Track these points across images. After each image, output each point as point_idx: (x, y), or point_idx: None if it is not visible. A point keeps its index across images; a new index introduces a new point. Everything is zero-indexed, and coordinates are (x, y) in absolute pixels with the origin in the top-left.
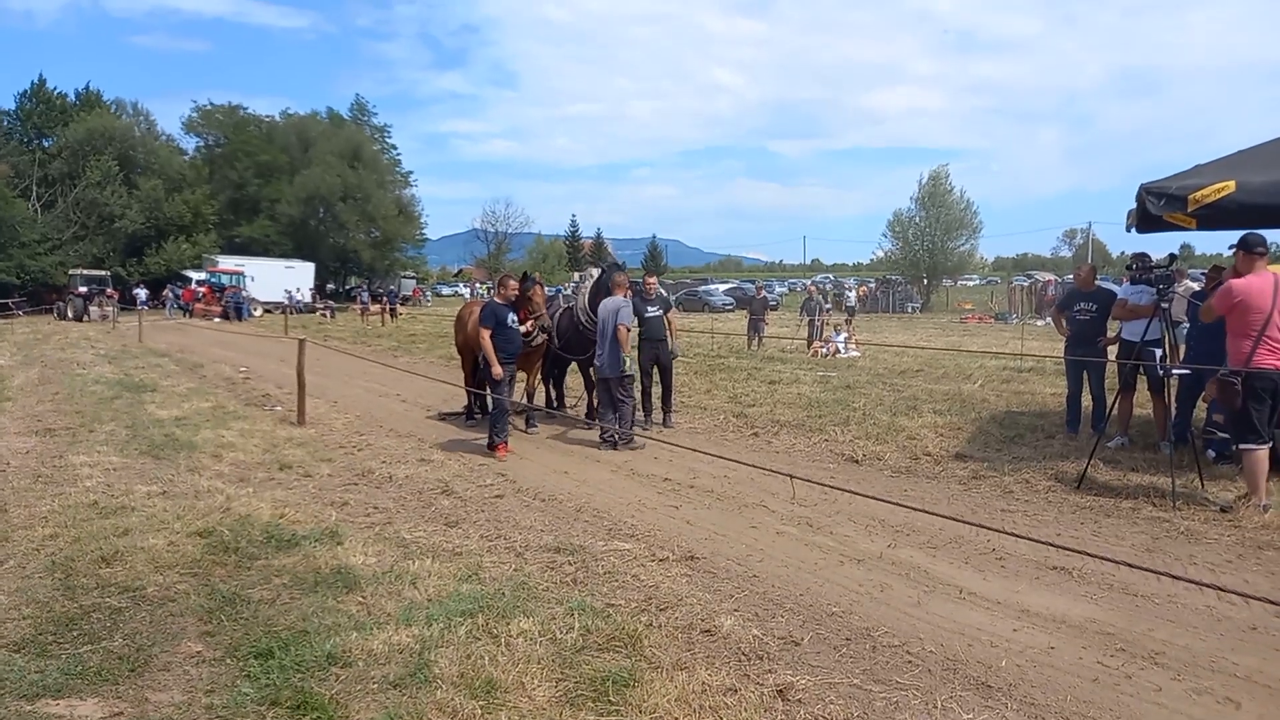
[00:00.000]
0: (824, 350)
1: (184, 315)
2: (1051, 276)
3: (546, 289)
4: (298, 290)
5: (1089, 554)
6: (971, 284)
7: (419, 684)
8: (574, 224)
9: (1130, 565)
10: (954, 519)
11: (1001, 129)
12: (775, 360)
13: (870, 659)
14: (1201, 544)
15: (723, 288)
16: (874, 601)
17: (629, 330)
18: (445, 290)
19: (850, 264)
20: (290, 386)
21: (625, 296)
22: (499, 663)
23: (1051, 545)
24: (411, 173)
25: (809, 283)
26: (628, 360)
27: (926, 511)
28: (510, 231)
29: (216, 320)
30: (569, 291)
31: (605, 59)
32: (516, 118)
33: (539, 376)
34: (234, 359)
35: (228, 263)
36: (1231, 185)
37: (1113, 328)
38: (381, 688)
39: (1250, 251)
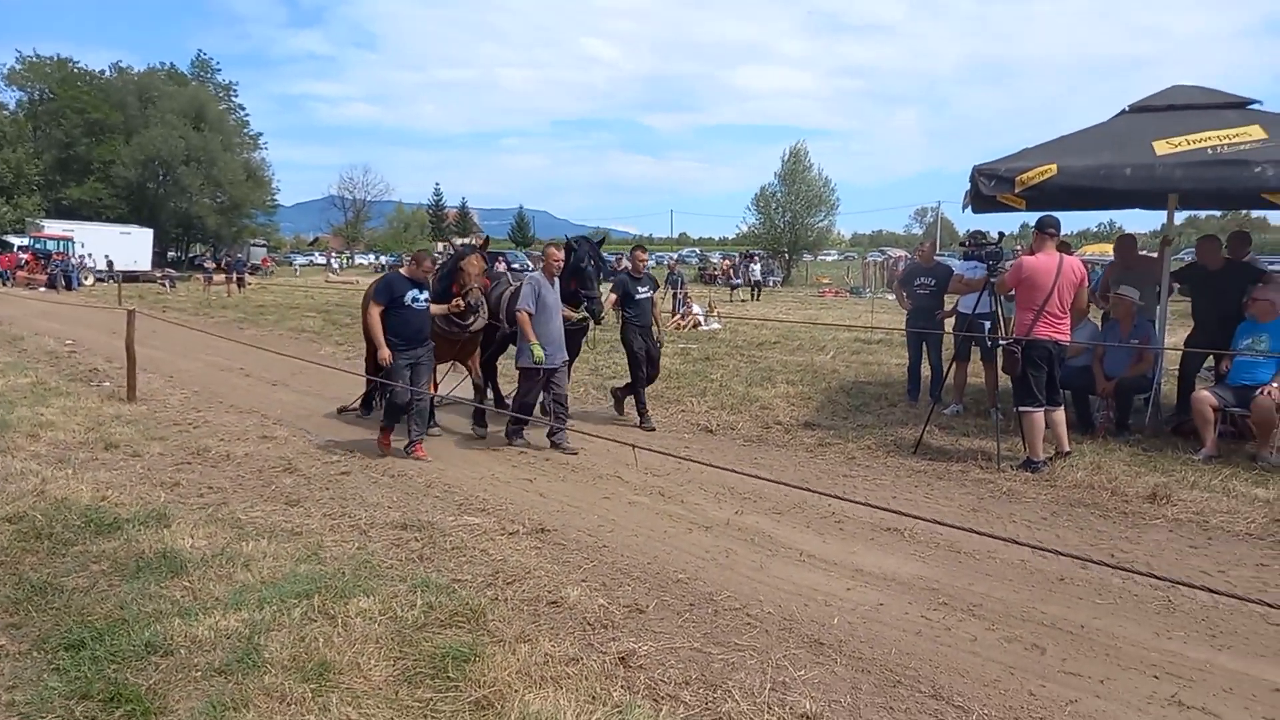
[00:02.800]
0: (684, 323)
1: (4, 284)
2: (903, 253)
3: (524, 263)
4: (128, 260)
5: (915, 516)
6: (830, 259)
7: (246, 669)
8: (438, 192)
9: (950, 525)
10: (797, 486)
11: (866, 110)
12: None
13: (712, 622)
14: (1021, 503)
15: None
16: (719, 567)
17: (522, 312)
18: (300, 260)
19: (716, 238)
20: (121, 360)
21: (549, 276)
22: (334, 644)
23: (882, 509)
24: (261, 135)
25: (672, 256)
26: (533, 348)
27: (769, 479)
28: (369, 199)
29: (42, 289)
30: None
31: (475, 24)
32: (379, 81)
33: (476, 363)
34: (60, 331)
35: (54, 228)
36: (1054, 168)
37: (951, 301)
38: (205, 675)
39: (1042, 232)
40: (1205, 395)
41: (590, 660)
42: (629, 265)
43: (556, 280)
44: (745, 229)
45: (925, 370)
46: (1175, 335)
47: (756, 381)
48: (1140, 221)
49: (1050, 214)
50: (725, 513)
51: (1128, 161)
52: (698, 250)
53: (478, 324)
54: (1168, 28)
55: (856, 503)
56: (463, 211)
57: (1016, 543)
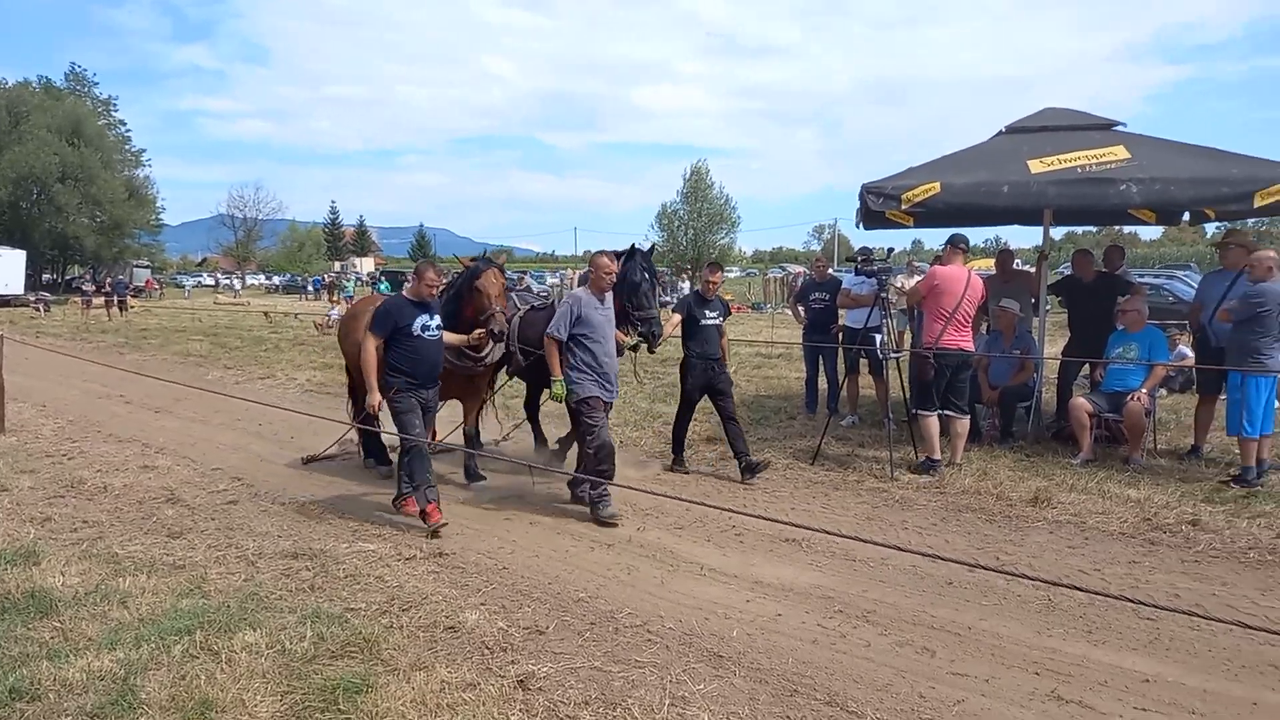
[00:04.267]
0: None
1: None
2: (802, 269)
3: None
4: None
5: (808, 527)
6: (732, 275)
7: (121, 711)
8: (334, 210)
9: (844, 535)
10: (696, 501)
11: (764, 129)
12: None
13: (613, 641)
14: (913, 509)
15: None
16: (620, 584)
17: (556, 342)
18: (188, 281)
19: None
20: None
21: (598, 291)
22: (217, 681)
23: (779, 521)
24: (144, 151)
25: (569, 271)
26: (555, 384)
27: (669, 495)
28: (261, 218)
29: None
30: (554, 282)
31: (371, 40)
32: (271, 97)
33: (480, 410)
34: None
35: None
36: (937, 186)
37: (841, 316)
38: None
39: (955, 246)
40: (1081, 402)
41: (488, 685)
42: (698, 286)
43: (609, 296)
44: (649, 246)
45: (822, 383)
46: (1055, 345)
47: (660, 398)
48: (1023, 237)
49: (959, 231)
50: (627, 530)
51: (1005, 179)
52: None
53: (492, 355)
54: (1045, 51)
55: (754, 516)
56: (360, 230)
57: (905, 550)
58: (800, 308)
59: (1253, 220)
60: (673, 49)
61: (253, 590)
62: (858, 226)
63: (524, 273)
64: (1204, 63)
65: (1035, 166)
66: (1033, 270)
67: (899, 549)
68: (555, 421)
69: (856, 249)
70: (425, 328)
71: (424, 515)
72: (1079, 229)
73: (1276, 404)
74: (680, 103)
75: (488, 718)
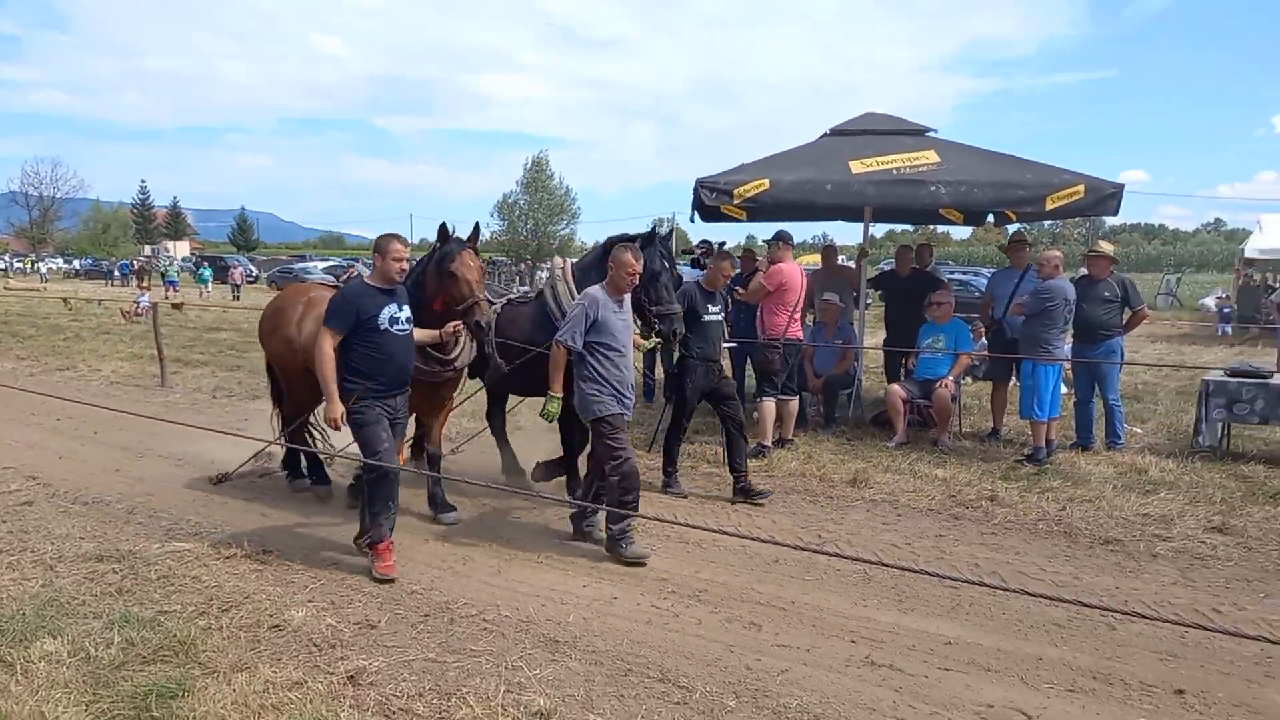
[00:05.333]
0: None
1: None
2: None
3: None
4: None
5: (645, 516)
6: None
7: None
8: (144, 190)
9: (673, 522)
10: (528, 493)
11: (604, 122)
12: None
13: (447, 632)
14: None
15: (322, 265)
16: (456, 575)
17: (560, 346)
18: None
19: None
20: None
21: (616, 292)
22: (12, 694)
23: (613, 510)
24: None
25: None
26: (548, 404)
27: (502, 487)
28: (59, 196)
29: None
30: (545, 274)
31: (188, 10)
32: (73, 67)
33: (444, 424)
34: None
35: None
36: (766, 183)
37: None
38: None
39: (784, 243)
40: (895, 389)
41: (316, 683)
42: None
43: (627, 297)
44: (489, 236)
45: (660, 372)
46: (874, 337)
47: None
48: (846, 234)
49: (784, 229)
50: (465, 517)
51: (829, 178)
52: None
53: (464, 358)
54: (867, 59)
55: (589, 506)
56: (174, 212)
57: (726, 533)
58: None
59: (1049, 223)
60: (512, 37)
61: (51, 596)
62: (692, 220)
63: (355, 260)
64: (1006, 76)
65: (856, 167)
66: (854, 265)
67: (721, 532)
68: (522, 438)
69: (696, 242)
70: (394, 320)
71: (374, 549)
72: (897, 227)
73: (1063, 390)
74: (520, 91)
75: (316, 715)
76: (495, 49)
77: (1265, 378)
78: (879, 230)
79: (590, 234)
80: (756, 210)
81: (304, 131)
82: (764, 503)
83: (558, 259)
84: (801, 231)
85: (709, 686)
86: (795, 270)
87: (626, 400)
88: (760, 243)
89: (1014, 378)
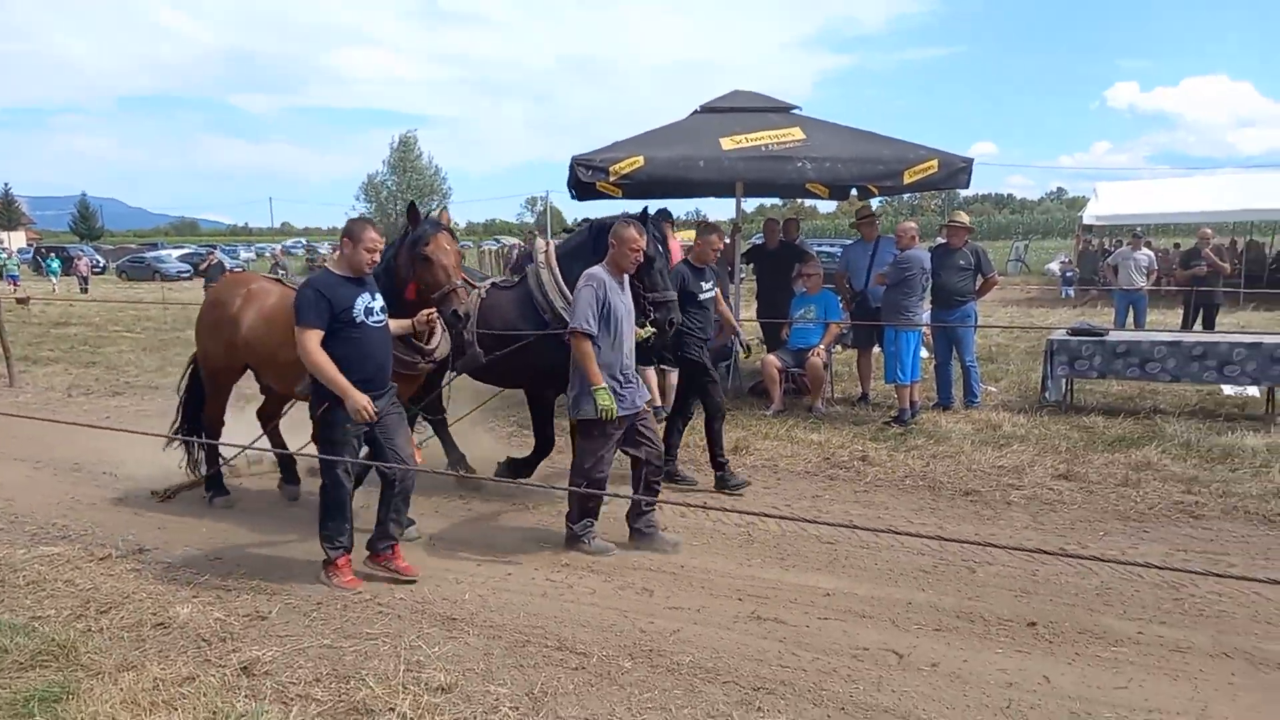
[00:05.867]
0: None
1: None
2: (518, 241)
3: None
4: None
5: (539, 485)
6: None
7: None
8: None
9: (564, 489)
10: (416, 468)
11: (472, 99)
12: None
13: (342, 618)
14: None
15: (177, 253)
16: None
17: (580, 335)
18: None
19: (325, 228)
20: None
21: (618, 273)
22: None
23: (500, 480)
24: None
25: (277, 248)
26: (597, 394)
27: (386, 465)
28: None
29: None
30: (535, 257)
31: None
32: None
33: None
34: None
35: None
36: (641, 160)
37: None
38: None
39: (667, 221)
40: (771, 359)
41: (209, 676)
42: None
43: (626, 280)
44: (660, 210)
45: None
46: (749, 309)
47: None
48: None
49: (665, 206)
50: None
51: (701, 155)
52: (304, 240)
53: (443, 348)
54: (733, 37)
55: (486, 479)
56: (5, 199)
57: (619, 495)
58: (515, 278)
59: (908, 195)
60: (371, 11)
61: None
62: (573, 198)
63: (213, 247)
64: (862, 53)
65: (726, 144)
66: (728, 240)
67: (615, 495)
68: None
69: (579, 220)
70: (369, 311)
71: (328, 568)
72: (767, 202)
73: (923, 354)
74: (384, 68)
75: (210, 708)
76: (354, 24)
77: (1101, 335)
78: (750, 205)
79: (463, 214)
80: (632, 187)
81: (148, 111)
82: (742, 493)
83: (539, 241)
84: (676, 208)
85: (605, 651)
86: (676, 247)
87: (624, 395)
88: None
89: (877, 344)
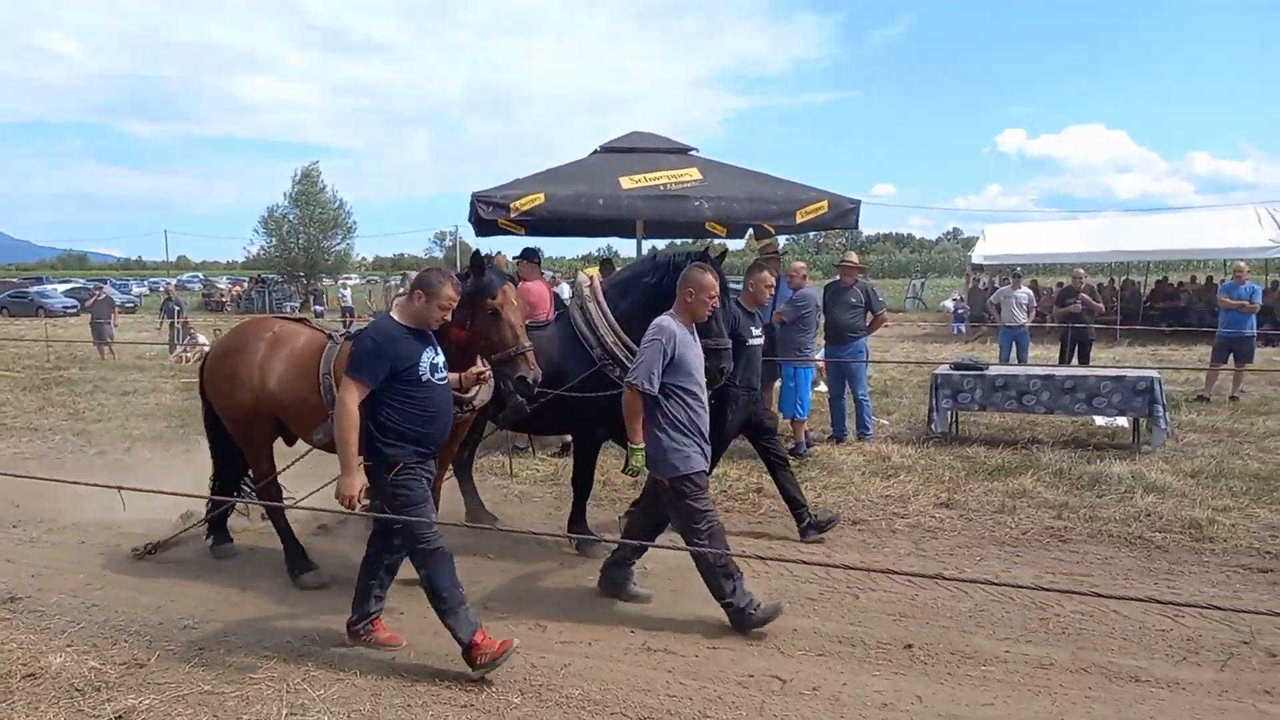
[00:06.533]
0: (188, 355)
1: None
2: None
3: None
4: None
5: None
6: (352, 283)
7: None
8: None
9: (455, 524)
10: (310, 507)
11: (377, 130)
12: (130, 369)
13: (224, 663)
14: (530, 502)
15: (63, 288)
16: (233, 605)
17: (634, 390)
18: None
19: (223, 261)
20: None
21: (690, 321)
22: None
23: (386, 517)
24: None
25: (170, 282)
26: (633, 455)
27: (281, 505)
28: None
29: None
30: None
31: None
32: None
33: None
34: None
35: None
36: (541, 197)
37: None
38: None
39: (529, 260)
40: None
41: None
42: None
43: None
44: (256, 252)
45: None
46: None
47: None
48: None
49: (530, 247)
50: (241, 548)
51: (600, 193)
52: (200, 275)
53: (482, 396)
54: (639, 73)
55: (375, 515)
56: None
57: (514, 531)
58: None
59: (814, 235)
60: (271, 38)
61: None
62: (476, 234)
63: (102, 281)
64: (764, 94)
65: (626, 183)
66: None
67: (510, 530)
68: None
69: (520, 252)
70: (435, 368)
71: (472, 650)
72: (676, 241)
73: (821, 388)
74: (285, 97)
75: None
76: (255, 52)
77: (982, 370)
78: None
79: (368, 248)
80: (533, 224)
81: (29, 137)
82: (829, 531)
83: (582, 275)
84: (588, 247)
85: (495, 688)
86: (542, 289)
87: (706, 450)
88: (548, 256)
89: (778, 379)
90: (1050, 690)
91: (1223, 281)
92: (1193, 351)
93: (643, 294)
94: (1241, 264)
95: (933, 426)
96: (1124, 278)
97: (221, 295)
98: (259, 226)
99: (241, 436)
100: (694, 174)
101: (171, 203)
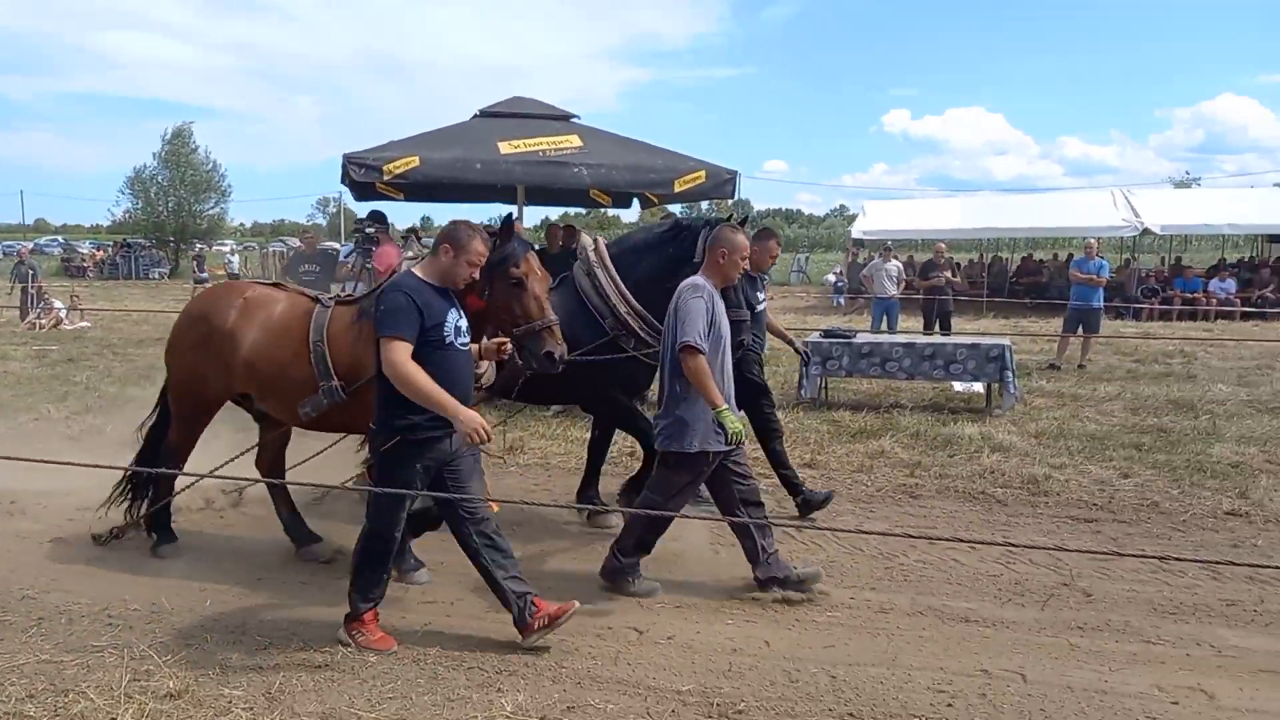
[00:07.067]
0: (43, 322)
1: None
2: (300, 244)
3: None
4: None
5: (328, 486)
6: (226, 249)
7: None
8: None
9: (355, 488)
10: (184, 473)
11: (261, 91)
12: None
13: (66, 631)
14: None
15: None
16: (82, 575)
17: (695, 351)
18: None
19: (87, 225)
20: None
21: (723, 283)
22: None
23: (253, 480)
24: None
25: (21, 246)
26: (724, 415)
27: (154, 471)
28: None
29: None
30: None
31: None
32: None
33: None
34: None
35: None
36: (416, 160)
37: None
38: None
39: (380, 224)
40: None
41: None
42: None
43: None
44: (121, 215)
45: None
46: None
47: (133, 380)
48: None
49: (379, 209)
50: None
51: (478, 158)
52: (60, 239)
53: (489, 376)
54: (538, 43)
55: (253, 479)
56: None
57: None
58: (289, 280)
59: (707, 207)
60: None
61: None
62: (354, 198)
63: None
64: (663, 68)
65: (504, 148)
66: None
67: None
68: None
69: (367, 215)
70: (458, 331)
71: (353, 624)
72: (571, 209)
73: None
74: (159, 53)
75: None
76: (127, 4)
77: (849, 338)
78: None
79: (247, 213)
80: (411, 189)
81: None
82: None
83: (586, 238)
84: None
85: (350, 649)
86: (395, 251)
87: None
88: (436, 224)
89: None
90: (888, 632)
91: (1072, 257)
92: (1051, 324)
93: (658, 260)
94: (1092, 241)
95: (802, 392)
96: (994, 254)
97: (83, 260)
98: (125, 188)
99: (186, 406)
100: (575, 141)
101: (31, 163)
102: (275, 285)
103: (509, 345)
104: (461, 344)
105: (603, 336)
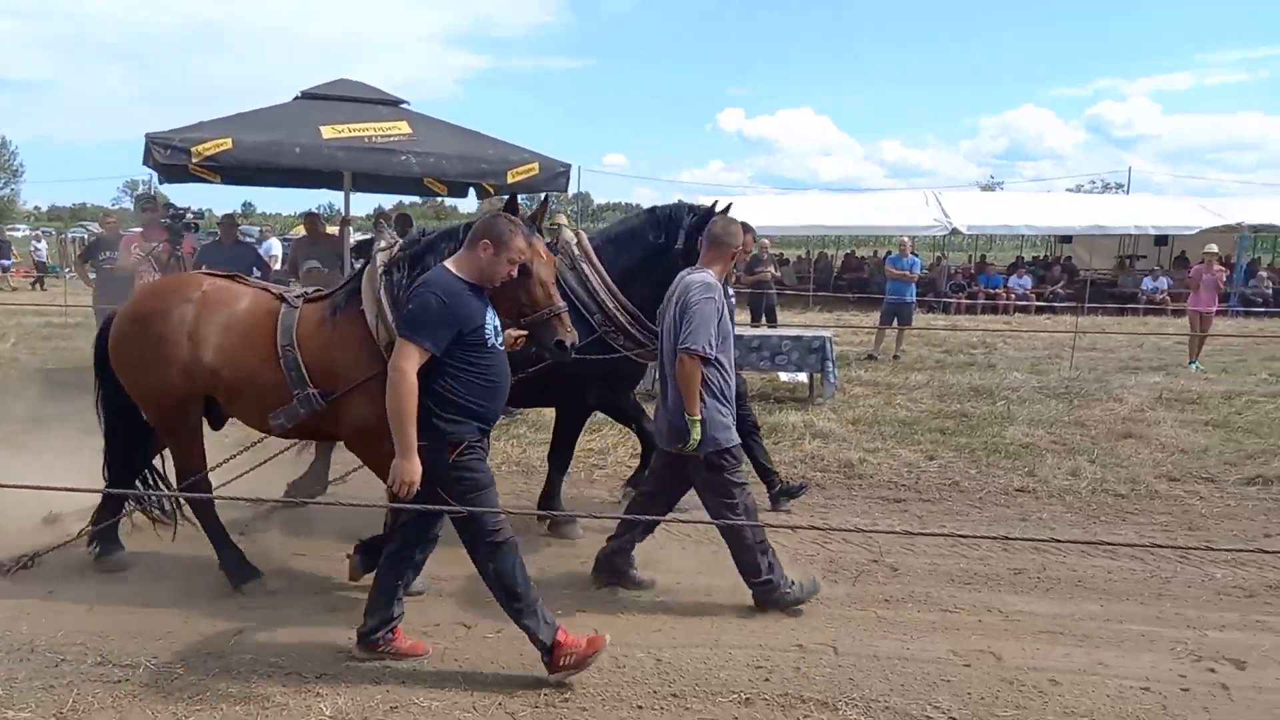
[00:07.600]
0: None
1: None
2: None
3: None
4: None
5: (250, 499)
6: (20, 235)
7: None
8: None
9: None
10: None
11: (60, 60)
12: None
13: None
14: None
15: None
16: None
17: (696, 358)
18: None
19: None
20: None
21: (716, 272)
22: None
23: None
24: None
25: None
26: (694, 425)
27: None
28: None
29: None
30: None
31: None
32: None
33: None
34: None
35: None
36: (229, 142)
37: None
38: None
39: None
40: None
41: None
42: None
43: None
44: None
45: None
46: None
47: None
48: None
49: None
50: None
51: (298, 141)
52: None
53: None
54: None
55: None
56: None
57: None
58: (88, 268)
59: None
60: None
61: None
62: (160, 181)
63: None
64: (501, 55)
65: (327, 132)
66: (337, 233)
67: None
68: None
69: (166, 205)
70: (497, 331)
71: (555, 652)
72: (404, 199)
73: None
74: None
75: None
76: None
77: None
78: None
79: (43, 195)
80: (221, 170)
81: None
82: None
83: (566, 232)
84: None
85: (157, 662)
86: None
87: (730, 417)
88: (259, 211)
89: None
90: (710, 614)
91: (889, 254)
92: (871, 317)
93: (640, 252)
94: (905, 239)
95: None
96: (820, 251)
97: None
98: None
99: (168, 424)
100: (403, 128)
101: None
102: (231, 277)
103: (524, 337)
104: (500, 344)
105: (590, 334)
